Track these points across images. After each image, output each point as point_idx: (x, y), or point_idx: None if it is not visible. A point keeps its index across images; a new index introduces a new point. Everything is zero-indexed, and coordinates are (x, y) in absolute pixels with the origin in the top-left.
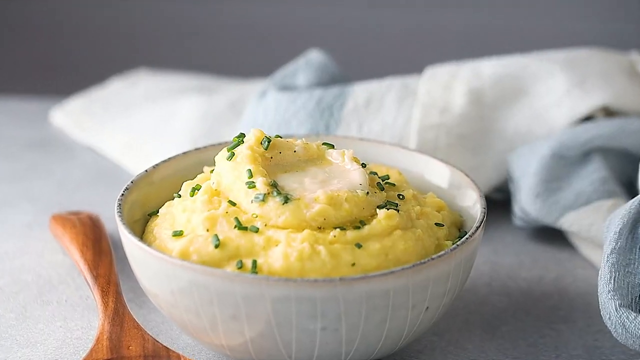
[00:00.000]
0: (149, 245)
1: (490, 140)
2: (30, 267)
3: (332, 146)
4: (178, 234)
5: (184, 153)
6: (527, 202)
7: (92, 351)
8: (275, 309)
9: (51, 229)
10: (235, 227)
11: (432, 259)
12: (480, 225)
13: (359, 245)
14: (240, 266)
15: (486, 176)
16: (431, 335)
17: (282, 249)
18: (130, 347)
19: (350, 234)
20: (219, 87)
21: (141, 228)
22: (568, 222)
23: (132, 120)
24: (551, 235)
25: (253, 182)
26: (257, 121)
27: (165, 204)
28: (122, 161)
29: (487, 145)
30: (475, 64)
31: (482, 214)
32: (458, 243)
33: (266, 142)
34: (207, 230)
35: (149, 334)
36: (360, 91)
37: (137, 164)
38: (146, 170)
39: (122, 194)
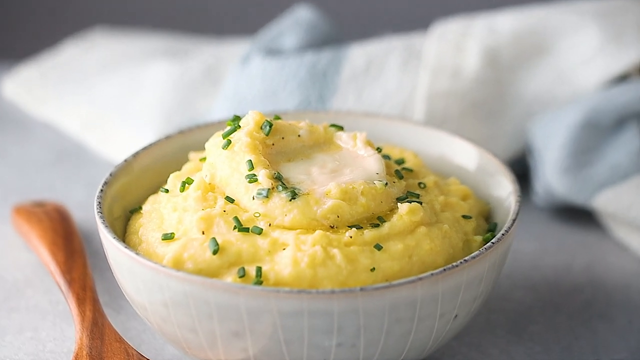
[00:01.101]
0: (135, 249)
1: (506, 107)
2: None
3: (342, 128)
4: (169, 237)
5: (167, 137)
6: (552, 178)
7: None
8: (285, 325)
9: (14, 223)
10: (235, 228)
11: (466, 260)
12: (516, 218)
13: (378, 247)
14: (243, 274)
15: (502, 147)
16: (449, 339)
17: (291, 253)
18: None
19: (369, 233)
20: (190, 49)
21: (122, 227)
22: (602, 202)
23: (92, 92)
24: (575, 215)
25: (254, 176)
26: (239, 92)
27: (149, 198)
28: (84, 139)
29: (504, 112)
30: (489, 19)
31: (517, 203)
32: (493, 240)
33: (267, 127)
34: (203, 233)
35: (132, 348)
36: (357, 54)
37: (101, 143)
38: (125, 160)
39: (102, 190)
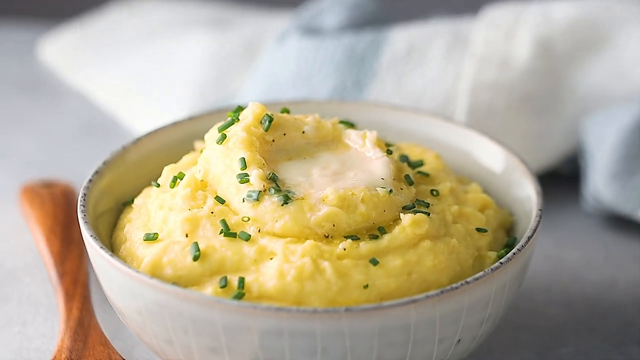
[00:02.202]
0: (119, 248)
1: (559, 102)
2: None
3: (352, 125)
4: (151, 238)
5: (173, 124)
6: (601, 184)
7: None
8: (264, 344)
9: (19, 204)
10: (221, 232)
11: (467, 282)
12: (532, 235)
13: (374, 262)
14: (225, 285)
15: (553, 145)
16: (468, 357)
17: (277, 264)
18: None
19: (365, 245)
20: (234, 19)
21: (113, 220)
22: None
23: (130, 62)
24: (626, 225)
25: (246, 175)
26: (272, 73)
27: (144, 191)
28: (115, 111)
29: (556, 107)
30: (544, 6)
31: (537, 218)
32: (502, 260)
33: (267, 121)
34: (186, 236)
35: (117, 354)
36: (399, 38)
37: (131, 117)
38: (123, 147)
39: (90, 180)
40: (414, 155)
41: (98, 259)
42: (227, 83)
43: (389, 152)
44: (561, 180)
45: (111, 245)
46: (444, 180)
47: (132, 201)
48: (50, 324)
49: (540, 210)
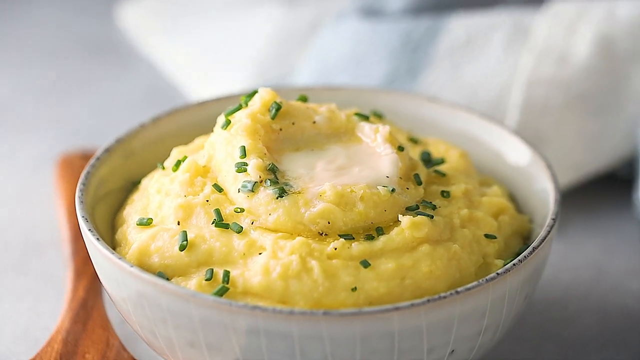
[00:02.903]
0: (116, 230)
1: (618, 102)
2: (22, 220)
3: (367, 118)
4: (145, 223)
5: (199, 103)
6: None
7: (37, 356)
8: (242, 343)
9: (55, 173)
10: (213, 222)
11: (457, 292)
12: (539, 245)
13: (365, 264)
14: (210, 277)
15: (609, 147)
16: None
17: (264, 260)
18: (87, 356)
19: (358, 246)
20: None
21: (121, 201)
22: None
23: (201, 33)
24: None
25: (244, 165)
26: (325, 54)
27: (151, 173)
28: (182, 83)
29: (614, 108)
30: (610, 3)
31: (548, 228)
32: (499, 270)
33: (274, 109)
34: (178, 224)
35: (117, 338)
36: (458, 26)
37: (195, 88)
38: (141, 125)
39: (98, 158)
40: (439, 152)
41: (87, 242)
42: (289, 61)
43: (401, 149)
44: (617, 183)
45: (113, 226)
46: (460, 182)
47: (139, 182)
48: (63, 302)
49: (553, 219)
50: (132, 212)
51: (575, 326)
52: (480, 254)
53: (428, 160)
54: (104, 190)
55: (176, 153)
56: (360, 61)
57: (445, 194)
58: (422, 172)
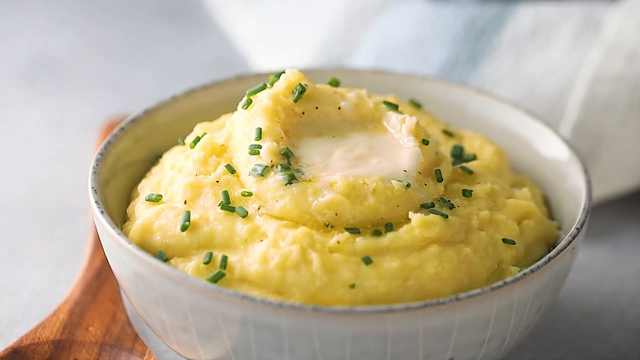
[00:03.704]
0: (130, 203)
1: None
2: (60, 183)
3: (396, 107)
4: (153, 199)
5: (238, 78)
6: None
7: (41, 325)
8: (230, 332)
9: (98, 137)
10: (220, 204)
11: (457, 298)
12: (556, 255)
13: (367, 260)
14: (208, 261)
15: None
16: None
17: (265, 247)
18: (90, 329)
19: (362, 241)
20: None
21: (143, 173)
22: None
23: (274, 4)
24: None
25: (258, 147)
26: (385, 36)
27: (172, 148)
28: (251, 54)
29: None
30: None
31: (570, 238)
32: (507, 280)
33: (298, 92)
34: (185, 203)
35: (124, 313)
36: (526, 14)
37: (259, 59)
38: (173, 97)
39: (122, 128)
40: (473, 148)
41: (93, 213)
42: (353, 40)
43: (425, 142)
44: None
45: (129, 199)
46: (486, 181)
47: (161, 156)
48: None
49: (577, 229)
50: (146, 186)
51: (607, 341)
52: (495, 260)
53: (459, 155)
54: (125, 161)
55: (198, 129)
56: (421, 45)
57: (467, 193)
58: (446, 168)
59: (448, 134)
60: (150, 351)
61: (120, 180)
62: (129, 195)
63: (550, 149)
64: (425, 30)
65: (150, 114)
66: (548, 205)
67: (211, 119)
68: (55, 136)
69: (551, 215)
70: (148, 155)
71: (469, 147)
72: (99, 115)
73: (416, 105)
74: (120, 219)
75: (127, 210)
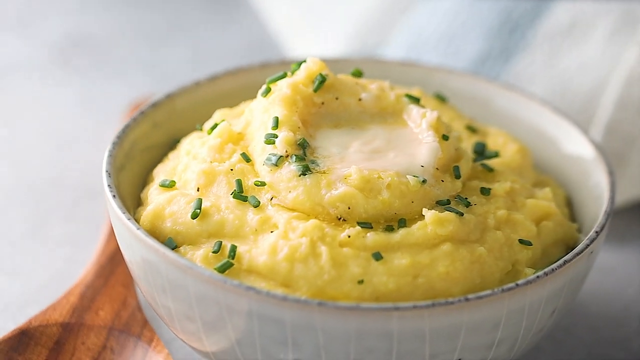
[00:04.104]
0: (145, 187)
1: None
2: (84, 164)
3: (418, 100)
4: (166, 184)
5: (263, 65)
6: None
7: (51, 307)
8: (235, 323)
9: (123, 119)
10: (232, 193)
11: (467, 299)
12: (572, 259)
13: (377, 256)
14: (217, 250)
15: None
16: None
17: (274, 239)
18: (100, 313)
19: (373, 236)
20: None
21: (160, 158)
22: None
23: None
24: None
25: (274, 136)
26: (418, 26)
27: (191, 134)
28: (286, 40)
29: None
30: None
31: (588, 241)
32: (520, 282)
33: (318, 81)
34: (198, 190)
35: (136, 299)
36: (563, 9)
37: (295, 46)
38: (196, 82)
39: (142, 112)
40: (496, 145)
41: (105, 196)
42: (389, 28)
43: (445, 138)
44: None
45: (146, 183)
46: (507, 179)
47: (179, 141)
48: None
49: (597, 232)
50: (161, 171)
51: (629, 348)
52: (509, 261)
53: (481, 152)
54: (144, 144)
55: (218, 115)
56: (454, 38)
57: (485, 191)
58: (465, 165)
59: (472, 129)
60: (158, 338)
61: (137, 164)
62: (145, 180)
63: (577, 148)
64: (459, 22)
65: (171, 99)
66: (571, 207)
67: (234, 106)
68: (85, 116)
69: (574, 217)
70: (168, 140)
71: (492, 144)
72: (130, 97)
73: (441, 99)
74: (135, 203)
75: (141, 195)
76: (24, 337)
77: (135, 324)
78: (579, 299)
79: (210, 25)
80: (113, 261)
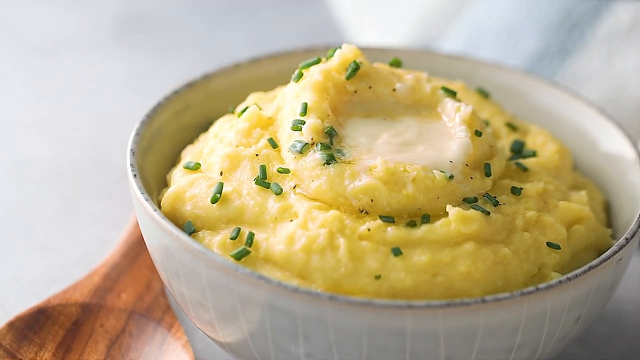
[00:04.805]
0: (174, 168)
1: None
2: (124, 143)
3: (454, 94)
4: (191, 167)
5: (307, 50)
6: None
7: (72, 287)
8: (246, 313)
9: None
10: (255, 179)
11: (484, 300)
12: (598, 265)
13: (397, 251)
14: (235, 236)
15: None
16: None
17: (292, 228)
18: (122, 295)
19: (394, 231)
20: None
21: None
22: None
23: None
24: None
25: (301, 122)
26: (477, 20)
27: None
28: (348, 24)
29: None
30: None
31: (616, 248)
32: (540, 285)
33: (351, 69)
34: (221, 174)
35: (161, 283)
36: (625, 10)
37: (359, 33)
38: (236, 64)
39: (176, 92)
40: (535, 144)
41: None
42: (449, 20)
43: (478, 134)
44: None
45: (174, 164)
46: (541, 179)
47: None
48: None
49: (627, 239)
50: (189, 153)
51: None
52: (535, 264)
53: (518, 150)
54: (176, 125)
55: (251, 99)
56: (512, 33)
57: (515, 191)
58: (498, 163)
59: (512, 127)
60: (179, 324)
61: (168, 144)
62: (175, 161)
63: (619, 153)
64: (518, 18)
65: (208, 79)
66: (609, 212)
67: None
68: (133, 95)
69: (610, 223)
70: (202, 121)
71: (531, 143)
72: (183, 76)
73: (484, 94)
74: (162, 184)
75: (167, 176)
76: (40, 315)
77: (158, 308)
78: (617, 307)
79: (273, 8)
80: (141, 243)
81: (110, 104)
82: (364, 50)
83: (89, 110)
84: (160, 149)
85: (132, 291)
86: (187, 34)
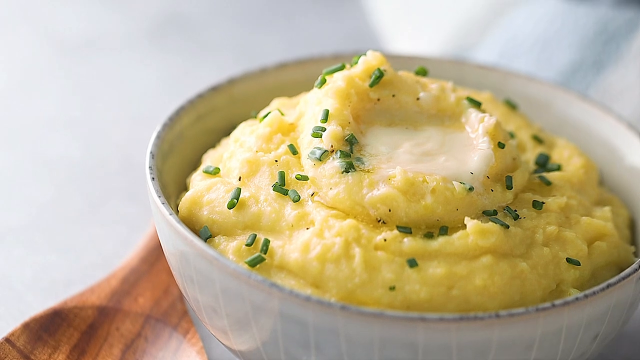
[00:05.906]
0: (194, 171)
1: None
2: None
3: (479, 105)
4: (210, 171)
5: (335, 56)
6: None
7: (89, 289)
8: (258, 321)
9: None
10: (273, 185)
11: (497, 315)
12: (617, 283)
13: (412, 263)
14: (251, 243)
15: None
16: None
17: (308, 236)
18: (139, 299)
19: (410, 242)
20: None
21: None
22: None
23: None
24: None
25: (321, 129)
26: (513, 31)
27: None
28: (385, 31)
29: None
30: None
31: (636, 267)
32: (557, 302)
33: (375, 76)
34: (240, 179)
35: (180, 288)
36: None
37: (393, 38)
38: (262, 69)
39: (200, 95)
40: (561, 158)
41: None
42: (484, 29)
43: (501, 146)
44: None
45: (195, 168)
46: (563, 194)
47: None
48: None
49: None
50: (210, 157)
51: None
52: (554, 279)
53: (543, 164)
54: (199, 128)
55: (275, 104)
56: (547, 44)
57: (537, 205)
58: (520, 176)
59: (538, 140)
60: (195, 330)
61: (190, 148)
62: (196, 165)
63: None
64: (554, 29)
65: (233, 84)
66: (634, 229)
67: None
68: (165, 96)
69: (635, 240)
70: (226, 125)
71: (557, 157)
72: (217, 79)
73: (511, 105)
74: (182, 187)
75: (187, 180)
76: (56, 317)
77: (174, 314)
78: None
79: (310, 12)
80: (161, 247)
81: (142, 106)
82: (394, 58)
83: (120, 111)
84: (182, 153)
85: (149, 295)
86: (223, 37)
